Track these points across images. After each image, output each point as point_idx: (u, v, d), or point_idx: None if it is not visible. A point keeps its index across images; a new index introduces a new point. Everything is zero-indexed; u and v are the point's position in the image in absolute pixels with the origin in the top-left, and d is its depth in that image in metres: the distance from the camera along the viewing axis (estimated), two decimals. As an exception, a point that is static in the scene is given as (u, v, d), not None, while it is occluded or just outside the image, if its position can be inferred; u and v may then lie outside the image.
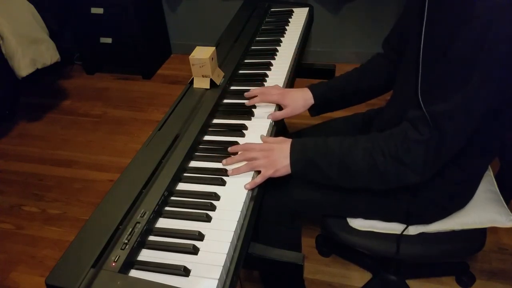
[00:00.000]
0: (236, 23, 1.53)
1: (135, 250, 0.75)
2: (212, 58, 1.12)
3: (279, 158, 0.91)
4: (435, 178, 0.89)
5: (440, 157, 0.82)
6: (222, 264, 0.72)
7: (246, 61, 1.36)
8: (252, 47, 1.44)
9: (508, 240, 1.53)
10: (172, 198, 0.87)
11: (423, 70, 0.83)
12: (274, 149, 0.93)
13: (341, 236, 1.07)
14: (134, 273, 0.73)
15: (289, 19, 1.59)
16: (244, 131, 1.04)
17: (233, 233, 0.78)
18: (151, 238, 0.79)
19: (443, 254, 1.06)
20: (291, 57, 1.35)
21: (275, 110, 1.12)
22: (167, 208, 0.85)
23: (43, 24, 2.19)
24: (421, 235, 1.03)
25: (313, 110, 1.16)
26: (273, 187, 1.02)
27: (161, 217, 0.83)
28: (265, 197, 1.03)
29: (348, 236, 1.06)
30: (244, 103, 1.13)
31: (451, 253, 1.05)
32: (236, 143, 0.99)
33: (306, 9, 1.66)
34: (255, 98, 1.11)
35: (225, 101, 1.17)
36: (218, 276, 0.71)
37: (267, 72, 1.28)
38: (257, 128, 1.06)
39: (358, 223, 1.05)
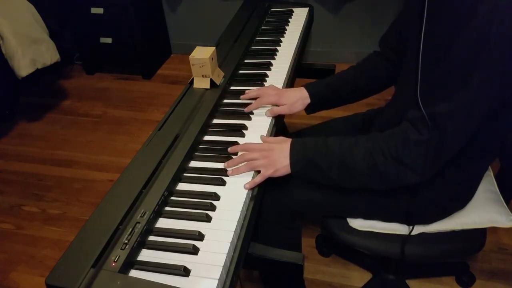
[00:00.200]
0: (236, 23, 1.53)
1: (135, 250, 0.75)
2: (212, 58, 1.12)
3: (279, 158, 0.91)
4: (435, 178, 0.89)
5: (440, 157, 0.82)
6: (222, 264, 0.72)
7: (246, 61, 1.36)
8: (252, 47, 1.44)
9: (508, 240, 1.53)
10: (172, 198, 0.87)
11: (423, 70, 0.83)
12: (273, 149, 0.93)
13: (341, 236, 1.07)
14: (134, 273, 0.73)
15: (289, 19, 1.59)
16: (244, 131, 1.04)
17: (233, 233, 0.78)
18: (151, 238, 0.79)
19: (443, 254, 1.06)
20: (291, 57, 1.35)
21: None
22: (167, 208, 0.85)
23: (43, 24, 2.19)
24: (421, 235, 1.03)
25: (309, 108, 1.16)
26: (273, 187, 1.02)
27: (161, 217, 0.83)
28: (265, 197, 1.03)
29: (348, 236, 1.06)
30: (244, 103, 1.13)
31: (451, 253, 1.05)
32: (236, 143, 0.99)
33: (306, 9, 1.66)
34: (252, 105, 1.11)
35: (225, 101, 1.17)
36: (218, 276, 0.71)
37: (267, 72, 1.28)
38: (257, 128, 1.06)
39: (358, 223, 1.05)
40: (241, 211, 0.83)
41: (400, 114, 0.87)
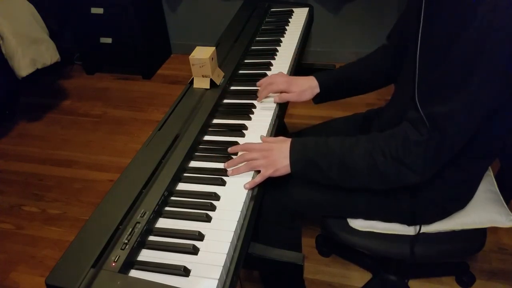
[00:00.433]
0: (236, 23, 1.53)
1: (135, 250, 0.75)
2: (212, 58, 1.12)
3: (279, 158, 0.91)
4: (435, 178, 0.89)
5: (440, 157, 0.82)
6: (222, 264, 0.72)
7: (246, 61, 1.36)
8: (252, 47, 1.44)
9: (508, 240, 1.53)
10: (172, 198, 0.87)
11: (421, 70, 0.83)
12: (273, 149, 0.92)
13: (341, 236, 1.07)
14: (134, 273, 0.73)
15: (289, 19, 1.59)
16: (244, 131, 1.04)
17: (233, 233, 0.78)
18: (151, 238, 0.79)
19: (443, 254, 1.06)
20: (291, 57, 1.35)
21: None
22: (167, 208, 0.85)
23: (43, 24, 2.19)
24: (421, 235, 1.02)
25: (317, 98, 1.16)
26: (273, 187, 1.02)
27: (161, 217, 0.83)
28: (265, 197, 1.03)
29: (348, 236, 1.06)
30: (244, 103, 1.14)
31: (451, 253, 1.05)
32: (236, 143, 0.99)
33: (306, 9, 1.66)
34: (262, 92, 1.11)
35: (225, 101, 1.17)
36: (218, 276, 0.71)
37: (267, 72, 1.27)
38: (257, 128, 1.06)
39: (358, 223, 1.05)
40: (241, 211, 0.83)
41: (400, 114, 0.87)
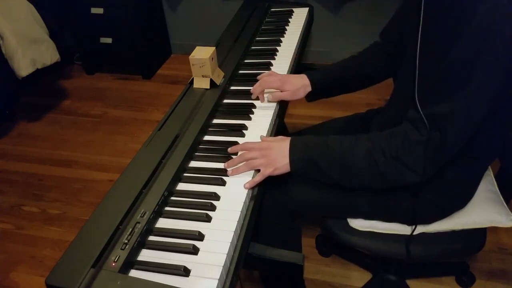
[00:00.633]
0: (236, 23, 1.53)
1: (135, 250, 0.75)
2: (212, 58, 1.12)
3: (278, 157, 0.91)
4: (435, 178, 0.89)
5: (440, 157, 0.82)
6: (222, 264, 0.72)
7: (246, 61, 1.36)
8: (252, 47, 1.44)
9: (508, 240, 1.53)
10: (172, 198, 0.87)
11: (420, 70, 0.83)
12: (272, 148, 0.92)
13: (341, 236, 1.07)
14: (134, 273, 0.73)
15: (289, 19, 1.59)
16: (244, 131, 1.04)
17: (233, 233, 0.78)
18: (151, 238, 0.79)
19: (443, 254, 1.06)
20: (291, 57, 1.35)
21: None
22: (167, 208, 0.85)
23: (43, 24, 2.19)
24: (421, 235, 1.03)
25: (310, 96, 1.16)
26: (273, 187, 1.02)
27: (161, 217, 0.83)
28: (265, 197, 1.03)
29: (348, 236, 1.06)
30: (244, 103, 1.14)
31: (451, 253, 1.05)
32: (236, 143, 0.99)
33: (306, 9, 1.66)
34: (256, 88, 1.11)
35: (225, 101, 1.17)
36: (218, 276, 0.71)
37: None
38: (257, 128, 1.06)
39: (358, 223, 1.05)
40: (241, 211, 0.83)
41: (400, 114, 0.87)
